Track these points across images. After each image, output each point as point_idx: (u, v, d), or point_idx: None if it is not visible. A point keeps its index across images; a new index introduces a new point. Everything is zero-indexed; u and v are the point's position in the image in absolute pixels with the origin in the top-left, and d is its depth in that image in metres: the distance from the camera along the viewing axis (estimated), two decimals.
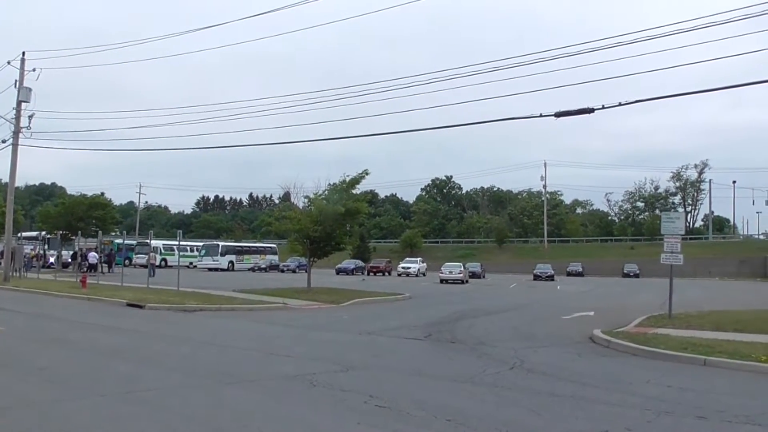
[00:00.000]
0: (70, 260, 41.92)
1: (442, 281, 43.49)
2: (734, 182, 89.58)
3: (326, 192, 27.93)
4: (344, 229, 28.70)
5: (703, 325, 15.54)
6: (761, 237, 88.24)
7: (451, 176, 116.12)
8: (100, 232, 35.98)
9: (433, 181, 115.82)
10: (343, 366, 9.84)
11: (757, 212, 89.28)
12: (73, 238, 40.23)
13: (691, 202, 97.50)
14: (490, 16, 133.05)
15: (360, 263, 60.35)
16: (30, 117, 30.08)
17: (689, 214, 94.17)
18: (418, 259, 62.29)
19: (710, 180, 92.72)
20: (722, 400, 8.23)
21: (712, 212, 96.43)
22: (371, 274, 55.59)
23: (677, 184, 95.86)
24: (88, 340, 12.38)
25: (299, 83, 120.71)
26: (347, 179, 27.76)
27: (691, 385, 9.13)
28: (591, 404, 7.70)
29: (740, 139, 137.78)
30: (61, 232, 43.04)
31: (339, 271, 54.95)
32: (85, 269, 35.10)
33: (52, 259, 45.28)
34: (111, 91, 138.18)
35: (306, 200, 29.68)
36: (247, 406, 7.09)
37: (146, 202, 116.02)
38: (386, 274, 56.66)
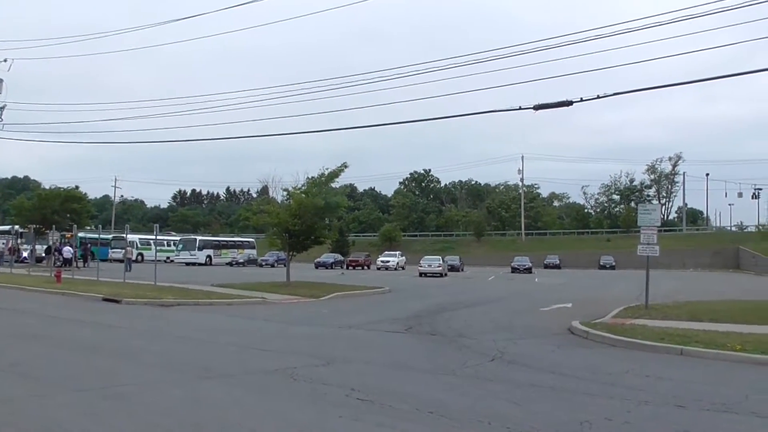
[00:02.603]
0: (44, 254, 41.19)
1: (421, 274, 43.57)
2: (707, 175, 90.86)
3: (305, 186, 27.76)
4: (323, 222, 28.59)
5: (679, 316, 15.79)
6: (733, 229, 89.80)
7: (430, 170, 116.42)
8: (75, 225, 35.37)
9: (411, 174, 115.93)
10: (324, 360, 9.80)
11: (730, 204, 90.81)
12: (47, 232, 39.50)
13: (665, 195, 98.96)
14: (468, 12, 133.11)
15: (339, 257, 60.18)
16: (1, 109, 29.43)
17: (664, 207, 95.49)
18: (397, 252, 62.37)
19: (684, 173, 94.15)
20: (700, 388, 8.35)
21: (686, 204, 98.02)
22: (350, 267, 55.51)
23: (652, 176, 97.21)
24: (64, 335, 12.17)
25: (276, 77, 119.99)
26: (326, 173, 27.63)
27: (668, 375, 9.24)
28: (571, 395, 7.76)
29: (713, 133, 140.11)
30: (34, 225, 42.23)
31: (318, 265, 54.76)
32: (59, 264, 34.49)
33: (25, 254, 44.41)
34: (86, 84, 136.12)
35: (285, 193, 29.47)
36: (226, 401, 7.00)
37: (122, 196, 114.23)
38: (365, 267, 56.62)
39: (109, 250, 54.83)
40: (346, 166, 27.90)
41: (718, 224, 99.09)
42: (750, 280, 45.79)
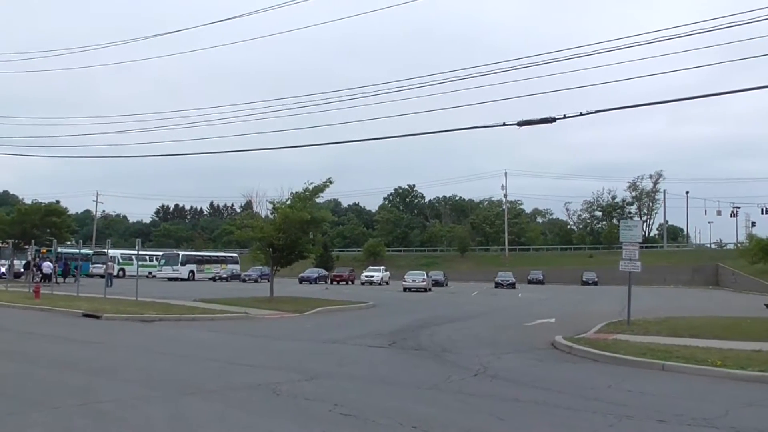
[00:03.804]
0: (22, 270, 40.58)
1: (405, 289, 43.55)
2: (687, 193, 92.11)
3: (290, 200, 27.72)
4: (308, 237, 28.53)
5: (660, 331, 15.93)
6: (713, 246, 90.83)
7: (414, 185, 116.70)
8: (55, 240, 34.95)
9: (395, 190, 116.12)
10: (307, 375, 9.73)
11: (709, 222, 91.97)
12: (26, 247, 38.95)
13: (646, 212, 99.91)
14: (454, 30, 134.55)
15: (323, 272, 60.02)
16: None
17: (645, 224, 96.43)
18: (382, 267, 62.35)
19: (664, 190, 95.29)
20: (681, 403, 8.40)
21: (667, 222, 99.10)
22: (334, 282, 55.33)
23: (633, 194, 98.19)
24: (41, 352, 11.95)
25: (261, 92, 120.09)
26: (311, 187, 27.61)
27: (650, 390, 9.29)
28: (554, 409, 7.77)
29: (693, 152, 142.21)
30: (13, 240, 41.61)
31: (302, 280, 54.55)
32: (38, 279, 34.00)
33: (3, 269, 43.72)
34: (69, 98, 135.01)
35: (270, 206, 29.37)
36: (208, 417, 6.92)
37: (104, 211, 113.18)
38: (349, 282, 56.47)
39: (90, 265, 54.13)
40: (330, 182, 27.95)
41: (697, 241, 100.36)
42: (729, 296, 46.32)
